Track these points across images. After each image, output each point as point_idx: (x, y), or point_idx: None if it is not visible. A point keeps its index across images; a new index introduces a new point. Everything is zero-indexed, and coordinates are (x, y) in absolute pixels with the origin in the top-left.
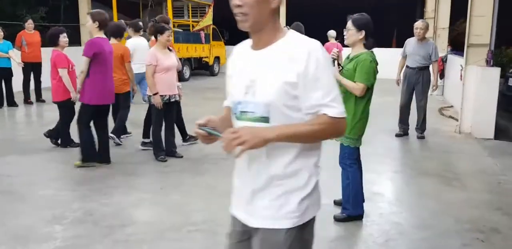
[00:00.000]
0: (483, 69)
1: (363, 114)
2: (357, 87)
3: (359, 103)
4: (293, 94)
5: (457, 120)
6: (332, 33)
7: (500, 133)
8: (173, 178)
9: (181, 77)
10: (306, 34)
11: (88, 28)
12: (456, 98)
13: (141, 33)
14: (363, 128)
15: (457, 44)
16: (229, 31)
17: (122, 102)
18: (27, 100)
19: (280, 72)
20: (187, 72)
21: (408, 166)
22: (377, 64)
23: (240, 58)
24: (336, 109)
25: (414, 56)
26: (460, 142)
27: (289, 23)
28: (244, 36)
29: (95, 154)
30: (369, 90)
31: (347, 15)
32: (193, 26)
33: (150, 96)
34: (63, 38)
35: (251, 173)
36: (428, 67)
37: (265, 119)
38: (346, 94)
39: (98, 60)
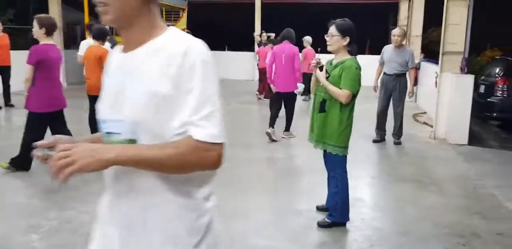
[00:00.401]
0: (458, 76)
1: (349, 121)
2: (342, 93)
3: (344, 110)
4: (167, 109)
5: (431, 126)
6: (308, 39)
7: (473, 139)
8: None
9: None
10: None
11: (35, 34)
12: (430, 105)
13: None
14: (349, 135)
15: (428, 51)
16: (204, 35)
17: None
18: None
19: (150, 80)
20: None
21: (386, 171)
22: (360, 70)
23: (111, 63)
24: (205, 131)
25: (391, 63)
26: (435, 148)
27: (265, 29)
28: (221, 40)
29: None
30: (354, 97)
31: (319, 21)
32: None
33: None
34: None
35: (116, 210)
36: (405, 74)
37: (133, 143)
38: (331, 100)
39: (43, 67)
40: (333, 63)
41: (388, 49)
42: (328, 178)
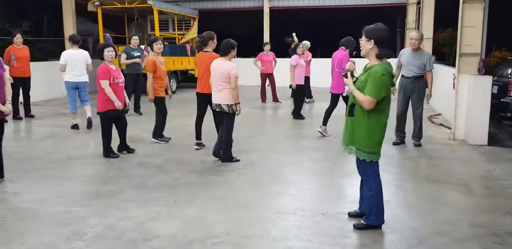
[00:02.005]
0: (476, 77)
1: (378, 127)
2: (365, 99)
3: (372, 115)
4: None
5: (448, 127)
6: (307, 43)
7: (491, 139)
8: (184, 191)
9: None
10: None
11: None
12: (444, 106)
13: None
14: (379, 141)
15: (437, 53)
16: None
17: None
18: (16, 116)
19: None
20: (174, 85)
21: (412, 173)
22: (392, 77)
23: None
24: None
25: (409, 66)
26: (456, 149)
27: (274, 35)
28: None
29: None
30: (382, 103)
31: (327, 26)
32: (178, 39)
33: (231, 105)
34: (107, 52)
35: None
36: (423, 76)
37: None
38: (358, 105)
39: None
40: (366, 67)
41: (405, 52)
42: (361, 182)
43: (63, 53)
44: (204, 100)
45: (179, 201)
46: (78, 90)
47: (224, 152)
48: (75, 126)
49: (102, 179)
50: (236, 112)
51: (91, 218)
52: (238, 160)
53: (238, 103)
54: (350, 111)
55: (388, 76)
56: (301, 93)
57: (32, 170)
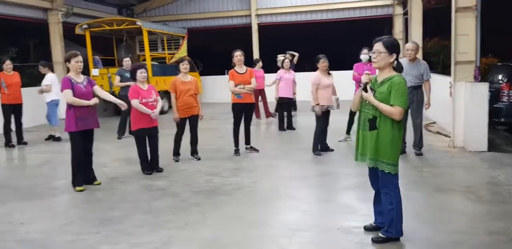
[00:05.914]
0: (472, 84)
1: (400, 137)
2: (395, 111)
3: (395, 126)
4: None
5: (445, 135)
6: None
7: (489, 145)
8: (193, 212)
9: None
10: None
11: None
12: (439, 114)
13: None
14: (399, 152)
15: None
16: (203, 62)
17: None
18: (8, 144)
19: None
20: (166, 104)
21: (418, 183)
22: None
23: None
24: None
25: (406, 76)
26: (457, 156)
27: (263, 50)
28: (217, 66)
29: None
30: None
31: (316, 40)
32: (168, 59)
33: (313, 106)
34: (139, 74)
35: None
36: (421, 85)
37: None
38: (382, 117)
39: None
40: (378, 80)
41: (402, 63)
42: (375, 195)
43: (48, 75)
44: None
45: (190, 223)
46: None
47: (313, 144)
48: (57, 139)
49: (107, 204)
50: (316, 111)
51: (103, 246)
52: (333, 150)
53: (318, 104)
54: (372, 125)
55: (406, 85)
56: (288, 105)
57: (35, 198)
